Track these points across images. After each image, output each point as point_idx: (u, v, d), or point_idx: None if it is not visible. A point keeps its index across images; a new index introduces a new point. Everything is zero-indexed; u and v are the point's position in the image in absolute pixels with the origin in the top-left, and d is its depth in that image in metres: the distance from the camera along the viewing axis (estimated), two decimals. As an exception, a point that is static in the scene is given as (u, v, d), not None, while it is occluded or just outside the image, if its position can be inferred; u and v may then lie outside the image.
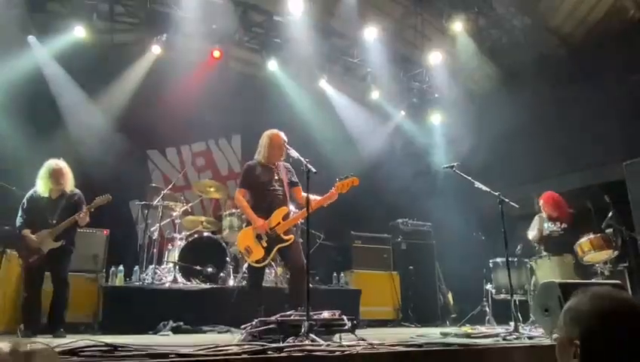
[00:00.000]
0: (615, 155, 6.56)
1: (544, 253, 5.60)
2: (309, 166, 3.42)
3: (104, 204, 4.79)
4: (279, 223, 4.08)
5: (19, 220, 4.66)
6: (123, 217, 7.36)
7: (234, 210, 6.38)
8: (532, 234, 5.81)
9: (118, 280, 5.76)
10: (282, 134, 4.29)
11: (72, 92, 7.26)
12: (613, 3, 7.33)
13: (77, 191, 4.85)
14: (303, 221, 4.58)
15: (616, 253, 5.25)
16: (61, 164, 4.74)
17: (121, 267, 5.87)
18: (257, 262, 4.03)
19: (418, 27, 8.35)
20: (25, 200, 4.70)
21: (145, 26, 7.29)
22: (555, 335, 1.20)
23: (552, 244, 5.62)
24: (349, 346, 2.54)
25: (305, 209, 3.51)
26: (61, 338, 4.11)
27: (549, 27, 7.91)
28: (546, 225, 5.76)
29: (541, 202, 5.84)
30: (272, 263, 5.91)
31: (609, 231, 5.37)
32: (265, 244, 4.03)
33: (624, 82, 6.83)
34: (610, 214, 5.41)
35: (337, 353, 2.31)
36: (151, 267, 5.96)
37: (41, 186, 4.66)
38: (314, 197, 3.91)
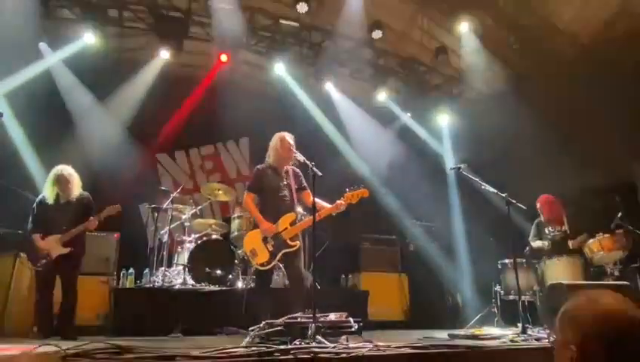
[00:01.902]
0: (625, 155, 6.50)
1: (553, 255, 5.57)
2: (315, 169, 3.44)
3: (113, 214, 4.84)
4: (286, 228, 4.10)
5: (29, 225, 4.74)
6: (133, 220, 7.45)
7: (242, 213, 6.43)
8: (535, 243, 5.81)
9: (129, 283, 5.85)
10: (291, 137, 4.33)
11: (82, 97, 7.38)
12: (623, 1, 7.26)
13: (85, 194, 4.90)
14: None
15: (626, 253, 5.20)
16: (67, 170, 4.78)
17: (131, 269, 5.96)
18: (262, 265, 4.06)
19: (425, 28, 8.35)
20: (35, 205, 4.77)
21: (153, 30, 7.37)
22: (552, 338, 1.21)
23: (559, 247, 5.60)
24: (355, 348, 2.56)
25: (310, 217, 3.54)
26: (72, 340, 4.18)
27: (558, 26, 7.86)
28: (546, 229, 5.75)
29: (538, 205, 5.83)
30: (281, 266, 5.94)
31: (619, 231, 5.32)
32: (270, 248, 4.06)
33: (634, 82, 6.75)
34: (619, 214, 5.36)
35: (344, 355, 2.34)
36: (161, 269, 6.02)
37: (48, 192, 4.74)
38: (320, 202, 3.94)
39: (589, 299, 1.14)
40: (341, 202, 4.06)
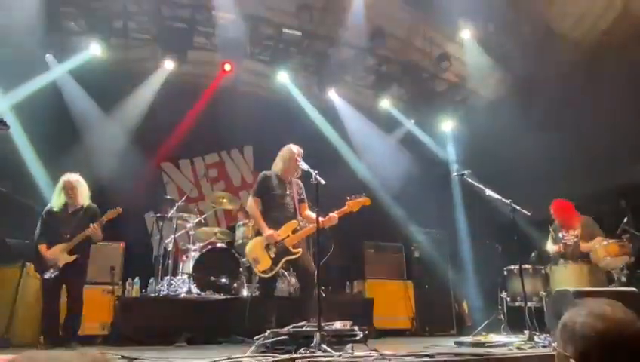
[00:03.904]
0: (629, 159, 6.47)
1: (559, 260, 5.54)
2: (319, 178, 3.46)
3: (115, 216, 4.86)
4: (288, 236, 4.12)
5: (36, 233, 4.76)
6: (138, 230, 7.48)
7: (247, 221, 6.44)
8: (550, 246, 5.77)
9: (134, 292, 5.86)
10: (299, 150, 4.37)
11: (88, 107, 7.44)
12: (623, 7, 7.28)
13: (93, 205, 4.94)
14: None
15: (632, 259, 5.16)
16: (75, 178, 4.83)
17: (137, 279, 5.97)
18: (264, 272, 4.07)
19: (427, 35, 8.38)
20: (43, 214, 4.80)
21: (158, 41, 7.44)
22: (554, 345, 1.21)
23: (571, 252, 5.56)
24: (360, 357, 2.55)
25: (312, 225, 3.56)
26: (75, 350, 4.19)
27: (560, 32, 7.87)
28: (560, 234, 5.72)
29: (552, 210, 5.80)
30: (285, 273, 5.94)
31: (625, 236, 5.28)
32: (273, 255, 4.07)
33: (636, 85, 6.74)
34: (625, 219, 5.33)
35: (348, 364, 2.33)
36: (166, 278, 6.02)
37: (56, 200, 4.77)
38: (311, 214, 4.02)
39: (588, 314, 1.11)
40: (334, 215, 4.09)
